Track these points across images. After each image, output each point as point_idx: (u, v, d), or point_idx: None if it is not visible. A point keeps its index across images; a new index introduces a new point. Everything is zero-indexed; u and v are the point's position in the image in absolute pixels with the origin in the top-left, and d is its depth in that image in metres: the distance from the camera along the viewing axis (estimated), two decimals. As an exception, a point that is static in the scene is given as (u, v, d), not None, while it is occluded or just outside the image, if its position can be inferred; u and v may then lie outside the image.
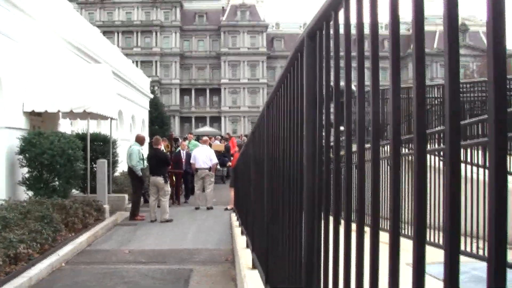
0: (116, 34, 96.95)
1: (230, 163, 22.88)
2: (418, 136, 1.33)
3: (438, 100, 15.59)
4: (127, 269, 9.91)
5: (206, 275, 9.47)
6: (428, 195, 6.91)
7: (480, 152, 7.54)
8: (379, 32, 1.57)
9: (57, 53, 16.07)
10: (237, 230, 11.03)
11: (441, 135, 9.24)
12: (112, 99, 17.70)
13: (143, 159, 16.37)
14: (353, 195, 1.98)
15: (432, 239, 7.79)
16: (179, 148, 21.48)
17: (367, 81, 1.66)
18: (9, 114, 13.52)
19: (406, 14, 1.38)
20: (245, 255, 7.76)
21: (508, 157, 7.42)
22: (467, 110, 14.48)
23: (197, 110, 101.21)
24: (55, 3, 16.82)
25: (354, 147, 1.92)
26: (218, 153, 24.90)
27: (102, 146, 17.82)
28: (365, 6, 1.68)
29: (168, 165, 16.92)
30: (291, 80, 3.19)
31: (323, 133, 2.41)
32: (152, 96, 37.73)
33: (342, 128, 2.06)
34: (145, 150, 19.07)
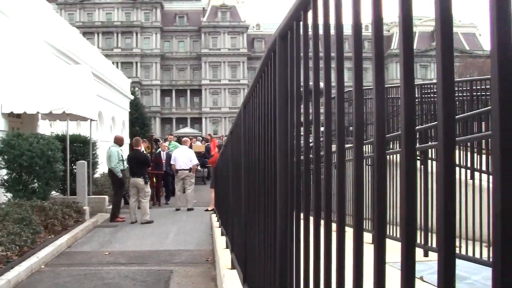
0: (96, 35, 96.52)
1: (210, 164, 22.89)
2: (378, 139, 1.36)
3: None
4: (107, 270, 9.87)
5: (186, 276, 9.47)
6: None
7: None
8: (346, 32, 1.59)
9: (36, 54, 15.96)
10: (218, 230, 11.03)
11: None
12: (92, 100, 17.62)
13: (123, 160, 16.32)
14: (322, 195, 2.01)
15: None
16: (159, 149, 21.47)
17: (334, 81, 1.69)
18: (-13, 115, 13.43)
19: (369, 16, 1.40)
20: (224, 256, 7.77)
21: (476, 155, 7.55)
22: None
23: (178, 111, 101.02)
24: (33, 3, 16.71)
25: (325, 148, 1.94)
26: (199, 154, 24.91)
27: (82, 147, 17.73)
28: (332, 7, 1.71)
29: (148, 166, 16.87)
30: (265, 79, 3.22)
31: (295, 133, 2.44)
32: (132, 97, 37.59)
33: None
34: (125, 151, 19.01)
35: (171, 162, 19.61)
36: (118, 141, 16.98)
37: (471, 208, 6.70)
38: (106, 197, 17.61)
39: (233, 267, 6.51)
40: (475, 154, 7.66)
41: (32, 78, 14.81)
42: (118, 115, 31.24)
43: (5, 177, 13.30)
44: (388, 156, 9.19)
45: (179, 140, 26.47)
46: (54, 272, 9.71)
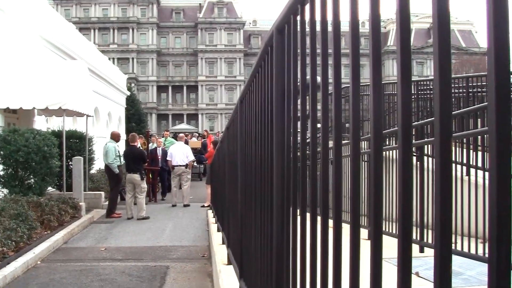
0: (92, 30, 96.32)
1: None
2: (375, 135, 1.36)
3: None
4: (103, 266, 9.88)
5: (182, 272, 9.48)
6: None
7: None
8: (343, 29, 1.59)
9: (32, 49, 15.94)
10: (214, 226, 11.04)
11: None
12: (88, 96, 17.61)
13: (119, 156, 16.31)
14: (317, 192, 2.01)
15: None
16: (155, 145, 21.48)
17: (331, 77, 1.69)
18: (-17, 111, 13.41)
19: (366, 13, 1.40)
20: (221, 251, 7.78)
21: (472, 152, 7.56)
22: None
23: (174, 107, 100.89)
24: (30, -1, 16.69)
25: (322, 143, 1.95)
26: (195, 150, 24.91)
27: (78, 143, 17.70)
28: (329, 1, 1.70)
29: (144, 162, 16.86)
30: (263, 74, 3.22)
31: (291, 129, 2.44)
32: (128, 93, 37.58)
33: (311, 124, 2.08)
34: (121, 147, 18.99)
35: (168, 158, 19.61)
36: (115, 137, 16.96)
37: (466, 204, 6.71)
38: (102, 193, 17.61)
39: (229, 263, 6.52)
40: (471, 151, 7.67)
41: (28, 74, 14.78)
42: (114, 111, 31.21)
43: (1, 173, 13.30)
44: (384, 152, 9.20)
45: (175, 136, 26.43)
46: (50, 268, 9.71)
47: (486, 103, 5.23)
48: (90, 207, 16.30)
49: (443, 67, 1.12)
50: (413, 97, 15.37)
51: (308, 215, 2.13)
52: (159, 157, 20.45)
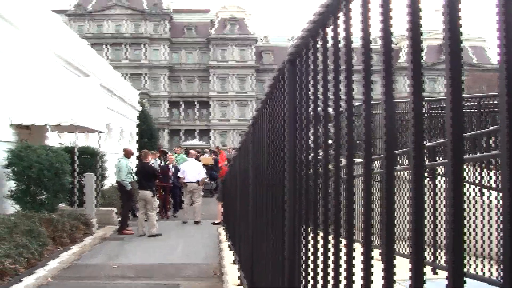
0: (105, 46, 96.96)
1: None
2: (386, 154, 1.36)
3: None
4: (115, 284, 9.87)
5: (193, 290, 9.46)
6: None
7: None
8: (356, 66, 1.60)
9: (45, 66, 16.04)
10: (225, 244, 11.03)
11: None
12: (100, 112, 17.67)
13: (132, 173, 16.36)
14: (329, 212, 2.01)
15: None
16: (167, 162, 21.52)
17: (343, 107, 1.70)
18: (-3, 127, 13.49)
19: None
20: (232, 271, 7.76)
21: (485, 171, 7.52)
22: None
23: (186, 123, 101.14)
24: (42, 15, 16.81)
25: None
26: (207, 167, 24.92)
27: (90, 159, 17.75)
28: (342, 35, 1.71)
29: (155, 179, 16.90)
30: (274, 101, 3.23)
31: (303, 157, 2.44)
32: (141, 108, 37.66)
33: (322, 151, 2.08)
34: (134, 163, 19.04)
35: (180, 175, 19.64)
36: (128, 154, 17.02)
37: (480, 225, 6.66)
38: (114, 209, 17.62)
39: (240, 284, 6.50)
40: (484, 170, 7.63)
41: (41, 90, 14.86)
42: (126, 127, 31.31)
43: (14, 189, 13.34)
44: (396, 172, 9.18)
45: (187, 152, 26.44)
46: (62, 285, 9.72)
47: (498, 126, 5.21)
48: (102, 223, 16.30)
49: (455, 83, 1.11)
50: (425, 115, 15.32)
51: (320, 234, 2.13)
52: (171, 173, 20.46)
